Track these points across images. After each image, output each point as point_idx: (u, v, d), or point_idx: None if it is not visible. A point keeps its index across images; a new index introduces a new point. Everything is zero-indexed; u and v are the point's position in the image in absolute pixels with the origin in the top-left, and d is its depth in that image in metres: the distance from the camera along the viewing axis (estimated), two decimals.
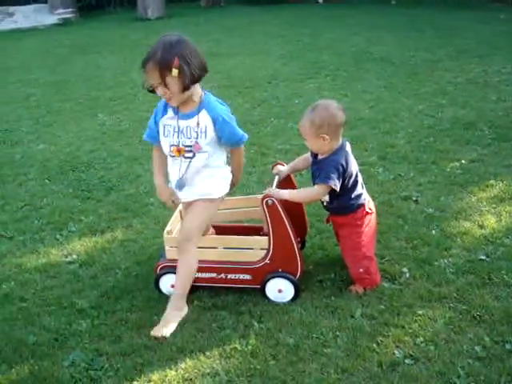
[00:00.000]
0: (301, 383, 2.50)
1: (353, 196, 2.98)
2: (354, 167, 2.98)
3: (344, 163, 2.90)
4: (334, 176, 2.86)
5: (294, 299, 3.03)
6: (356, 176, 2.98)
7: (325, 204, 3.10)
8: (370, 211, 3.05)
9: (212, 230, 3.35)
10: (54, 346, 2.81)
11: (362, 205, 3.02)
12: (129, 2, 16.32)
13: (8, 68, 9.68)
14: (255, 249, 3.05)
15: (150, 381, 2.56)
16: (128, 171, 4.89)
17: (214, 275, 3.08)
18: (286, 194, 2.97)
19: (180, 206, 3.28)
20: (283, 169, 3.23)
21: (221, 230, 3.36)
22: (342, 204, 3.01)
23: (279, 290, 3.01)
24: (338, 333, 2.78)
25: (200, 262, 2.97)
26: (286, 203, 3.00)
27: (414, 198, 4.10)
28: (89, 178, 4.77)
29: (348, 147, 3.02)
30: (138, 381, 2.56)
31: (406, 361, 2.58)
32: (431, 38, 9.84)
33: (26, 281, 3.37)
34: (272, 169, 3.29)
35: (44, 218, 4.15)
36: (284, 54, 9.19)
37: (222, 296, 3.11)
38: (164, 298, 3.07)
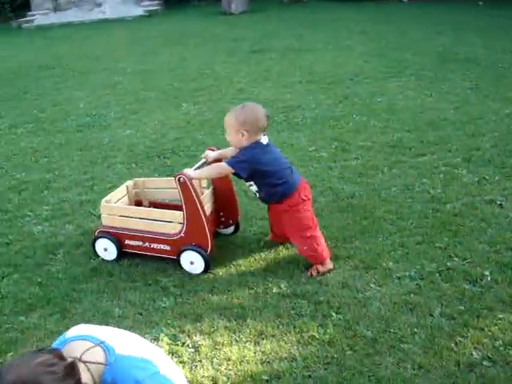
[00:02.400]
0: (377, 375, 2.51)
1: (275, 183, 3.20)
2: (271, 158, 3.20)
3: (256, 155, 3.14)
4: (239, 163, 3.13)
5: (204, 272, 3.30)
6: (275, 166, 3.20)
7: (257, 196, 3.36)
8: (304, 198, 3.26)
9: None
10: (139, 320, 2.95)
11: (292, 192, 3.23)
12: None
13: (96, 56, 10.11)
14: (174, 222, 3.32)
15: (229, 359, 2.65)
16: None
17: (140, 243, 3.42)
18: (193, 173, 3.24)
19: (127, 182, 3.72)
20: (211, 154, 3.47)
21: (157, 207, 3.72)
22: (268, 191, 3.26)
23: (191, 261, 3.30)
24: (415, 330, 2.77)
25: (129, 230, 3.40)
26: (216, 187, 3.50)
27: (499, 202, 3.99)
28: (173, 164, 4.93)
29: (265, 140, 3.22)
30: (218, 359, 2.66)
31: (484, 363, 2.55)
32: None
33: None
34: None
35: None
36: (367, 51, 9.11)
37: (301, 285, 3.16)
38: (243, 284, 3.16)
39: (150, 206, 3.77)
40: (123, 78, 8.33)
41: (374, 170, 4.63)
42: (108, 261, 3.51)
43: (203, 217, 3.24)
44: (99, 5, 15.94)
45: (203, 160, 3.48)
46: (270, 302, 3.04)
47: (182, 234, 3.31)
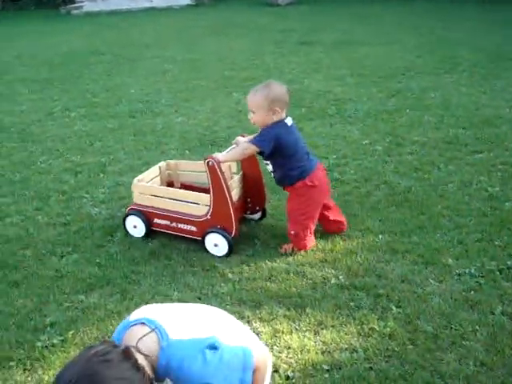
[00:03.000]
0: (439, 371, 2.48)
1: (292, 167, 3.25)
2: (292, 140, 3.22)
3: (279, 134, 3.15)
4: (265, 141, 3.15)
5: (227, 255, 3.36)
6: (295, 148, 3.23)
7: (272, 175, 3.41)
8: (310, 184, 3.28)
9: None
10: None
11: (303, 178, 3.26)
12: None
13: (145, 44, 10.21)
14: (201, 204, 3.38)
15: (289, 347, 2.65)
16: None
17: (168, 222, 3.50)
18: (221, 156, 3.28)
19: (160, 163, 3.81)
20: (241, 139, 3.48)
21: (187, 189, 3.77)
22: (283, 173, 3.30)
23: (215, 244, 3.36)
24: (477, 327, 2.72)
25: (158, 209, 3.49)
26: (245, 173, 3.53)
27: None
28: None
29: (290, 121, 3.24)
30: (278, 346, 2.66)
31: None
32: None
33: (171, 241, 3.57)
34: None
35: None
36: (418, 45, 8.97)
37: (359, 278, 3.14)
38: (301, 274, 3.17)
39: (180, 188, 3.82)
40: (173, 65, 8.39)
41: (430, 166, 4.56)
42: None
43: (229, 201, 3.29)
44: None
45: (233, 146, 3.50)
46: (328, 293, 3.02)
47: (208, 217, 3.37)
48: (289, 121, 3.25)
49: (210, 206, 3.35)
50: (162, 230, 3.57)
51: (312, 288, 3.09)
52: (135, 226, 3.59)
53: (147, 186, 3.62)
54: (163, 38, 10.83)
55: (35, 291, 3.14)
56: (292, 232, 3.37)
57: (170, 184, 3.87)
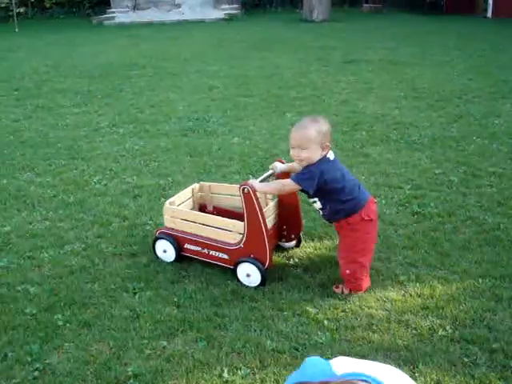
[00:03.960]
0: None
1: (343, 200, 3.04)
2: (338, 174, 3.04)
3: (324, 170, 2.98)
4: (308, 180, 2.97)
5: (261, 285, 3.16)
6: (343, 182, 3.03)
7: (320, 213, 3.20)
8: (367, 218, 3.06)
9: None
10: (296, 356, 2.66)
11: (356, 210, 3.05)
12: (290, 1, 16.40)
13: (185, 58, 9.99)
14: (233, 232, 3.21)
15: None
16: None
17: (199, 249, 3.34)
18: (258, 185, 3.10)
19: (194, 185, 3.68)
20: (279, 166, 3.35)
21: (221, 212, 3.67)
22: (334, 208, 3.08)
23: (247, 274, 3.17)
24: None
25: (189, 234, 3.35)
26: (281, 199, 3.38)
27: None
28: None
29: (332, 156, 3.07)
30: None
31: None
32: None
33: None
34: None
35: None
36: (468, 68, 8.67)
37: (468, 328, 2.82)
38: (403, 323, 2.85)
39: (213, 211, 3.69)
40: (217, 81, 8.14)
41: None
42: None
43: (264, 230, 3.12)
44: (178, 5, 15.95)
45: (271, 171, 3.36)
46: (438, 347, 2.70)
47: (241, 245, 3.20)
48: (331, 155, 3.06)
49: (243, 234, 3.17)
50: (192, 256, 3.40)
51: (419, 340, 2.77)
52: (165, 251, 3.44)
53: (178, 210, 3.46)
54: (202, 51, 10.62)
55: (110, 334, 2.84)
56: (347, 272, 3.11)
57: (203, 207, 3.73)
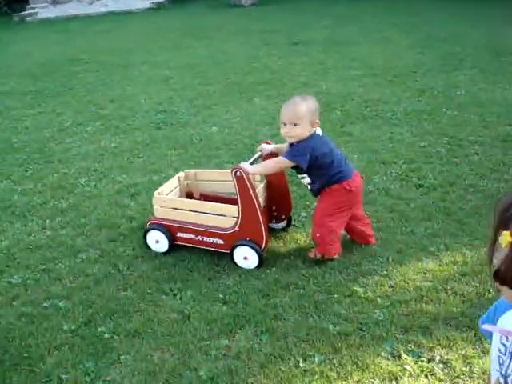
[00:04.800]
0: None
1: (331, 174, 3.12)
2: (327, 148, 3.12)
3: (315, 146, 3.07)
4: (301, 156, 3.05)
5: (258, 267, 3.19)
6: (331, 157, 3.11)
7: (309, 188, 3.26)
8: (347, 187, 3.13)
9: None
10: (364, 336, 2.66)
11: (341, 182, 3.13)
12: None
13: (127, 50, 9.66)
14: (228, 216, 3.24)
15: (483, 373, 2.38)
16: None
17: (192, 236, 3.32)
18: (251, 168, 3.15)
19: (179, 173, 3.65)
20: (267, 147, 3.39)
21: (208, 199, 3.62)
22: (324, 182, 3.16)
23: (245, 257, 3.20)
24: None
25: (181, 223, 3.32)
26: (270, 181, 3.39)
27: None
28: None
29: (320, 132, 3.17)
30: (476, 373, 2.41)
31: None
32: None
33: (289, 269, 3.24)
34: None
35: None
36: (412, 43, 8.91)
37: None
38: (451, 291, 2.92)
39: (200, 198, 3.67)
40: (170, 72, 7.92)
41: (504, 166, 4.42)
42: (160, 252, 3.40)
43: (259, 211, 3.16)
44: None
45: (259, 153, 3.40)
46: None
47: (236, 229, 3.21)
48: (319, 131, 3.16)
49: (238, 217, 3.19)
50: (186, 244, 3.38)
51: (470, 306, 2.84)
52: (157, 241, 3.39)
53: (169, 199, 3.46)
54: (141, 42, 10.29)
55: (166, 340, 2.71)
56: (317, 235, 3.19)
57: (190, 194, 3.72)
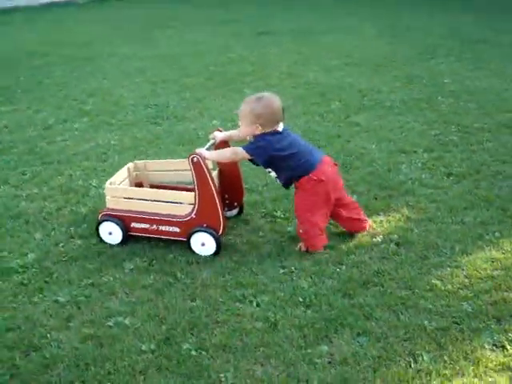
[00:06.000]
0: None
1: (293, 166, 3.14)
2: (285, 143, 3.12)
3: (270, 141, 3.09)
4: (258, 149, 3.10)
5: (215, 254, 3.20)
6: (291, 150, 3.12)
7: (277, 181, 3.32)
8: (315, 178, 3.14)
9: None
10: (462, 330, 2.58)
11: (307, 173, 3.14)
12: None
13: (85, 42, 9.17)
14: (184, 204, 3.25)
15: None
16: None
17: (147, 226, 3.31)
18: (208, 153, 3.20)
19: (128, 164, 3.64)
20: (219, 135, 3.44)
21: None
22: (286, 175, 3.21)
23: (202, 243, 3.21)
24: None
25: (135, 212, 3.31)
26: (222, 168, 3.44)
27: None
28: None
29: (281, 127, 3.16)
30: None
31: None
32: None
33: (356, 263, 3.13)
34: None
35: None
36: (380, 33, 9.00)
37: None
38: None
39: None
40: (144, 63, 7.58)
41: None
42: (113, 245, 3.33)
43: (216, 197, 3.17)
44: None
45: (212, 141, 3.43)
46: None
47: (192, 215, 3.21)
48: (280, 127, 3.16)
49: (194, 204, 3.18)
50: (140, 235, 3.35)
51: None
52: (110, 233, 3.34)
53: (122, 189, 3.44)
54: (99, 34, 9.81)
55: (262, 352, 2.50)
56: (301, 231, 3.23)
57: (139, 185, 3.69)
